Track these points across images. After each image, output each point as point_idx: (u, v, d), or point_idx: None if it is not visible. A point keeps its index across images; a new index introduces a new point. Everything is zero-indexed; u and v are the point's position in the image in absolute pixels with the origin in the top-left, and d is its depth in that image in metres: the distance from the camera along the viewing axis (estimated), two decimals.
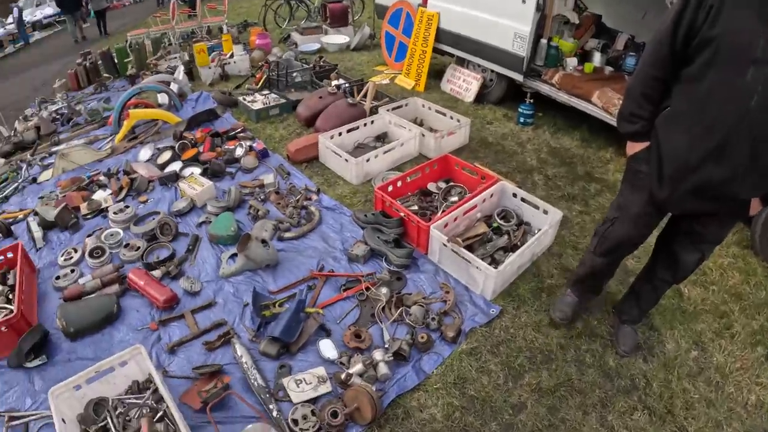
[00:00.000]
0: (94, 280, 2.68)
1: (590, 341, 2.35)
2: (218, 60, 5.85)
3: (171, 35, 7.31)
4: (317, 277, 2.71)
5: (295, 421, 1.95)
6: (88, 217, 3.32)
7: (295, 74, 5.11)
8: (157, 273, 2.74)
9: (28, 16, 15.08)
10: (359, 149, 3.96)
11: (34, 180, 3.88)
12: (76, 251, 2.96)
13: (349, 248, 2.86)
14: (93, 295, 2.61)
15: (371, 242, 2.81)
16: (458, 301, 2.53)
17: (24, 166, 3.99)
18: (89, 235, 3.08)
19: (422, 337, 2.26)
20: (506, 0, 4.06)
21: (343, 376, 2.08)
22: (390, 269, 2.72)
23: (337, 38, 6.96)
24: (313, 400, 2.07)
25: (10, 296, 2.56)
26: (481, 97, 4.80)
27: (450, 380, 2.17)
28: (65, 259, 2.91)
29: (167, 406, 1.91)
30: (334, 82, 5.03)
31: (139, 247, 2.94)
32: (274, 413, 2.00)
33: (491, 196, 2.94)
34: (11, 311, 2.37)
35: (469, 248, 2.64)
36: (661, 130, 1.69)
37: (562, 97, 4.02)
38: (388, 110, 4.12)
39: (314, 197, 3.44)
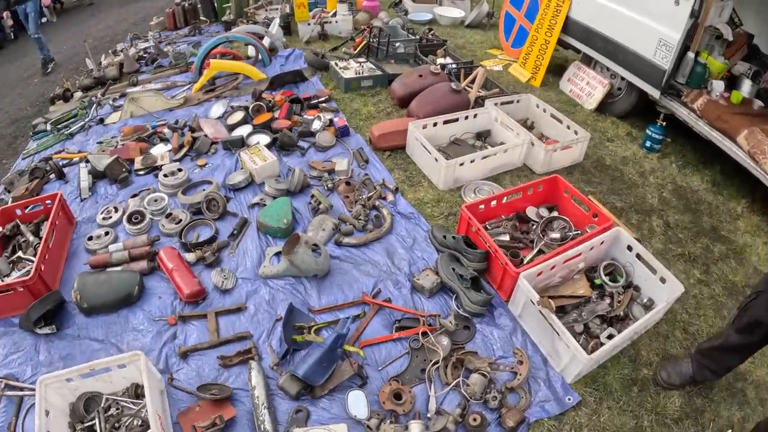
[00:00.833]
0: (123, 251, 2.52)
1: None
2: (319, 17, 5.62)
3: None
4: (369, 303, 2.31)
5: None
6: (141, 173, 3.20)
7: (398, 44, 4.69)
8: (190, 257, 2.51)
9: None
10: (454, 146, 3.46)
11: (102, 121, 3.89)
12: (116, 210, 2.84)
13: (416, 274, 2.43)
14: (118, 269, 2.45)
15: (444, 274, 2.35)
16: (531, 375, 2.08)
17: (95, 104, 4.01)
18: (134, 195, 2.95)
19: (474, 419, 1.87)
20: None
21: None
22: (459, 313, 2.25)
23: (451, 11, 6.64)
24: None
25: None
26: (603, 106, 4.32)
27: None
28: (103, 218, 2.80)
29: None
30: (440, 60, 4.55)
31: (180, 220, 2.74)
32: None
33: (601, 243, 2.35)
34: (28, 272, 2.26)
35: (561, 308, 2.18)
36: None
37: (702, 127, 3.48)
38: (496, 104, 3.58)
39: (390, 197, 3.02)
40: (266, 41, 4.97)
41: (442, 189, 3.12)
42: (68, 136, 3.73)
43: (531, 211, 2.76)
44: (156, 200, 2.87)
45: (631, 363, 2.21)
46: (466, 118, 3.50)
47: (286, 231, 2.68)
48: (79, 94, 4.48)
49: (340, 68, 4.39)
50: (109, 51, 5.60)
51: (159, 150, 3.39)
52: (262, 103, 3.82)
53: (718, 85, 3.58)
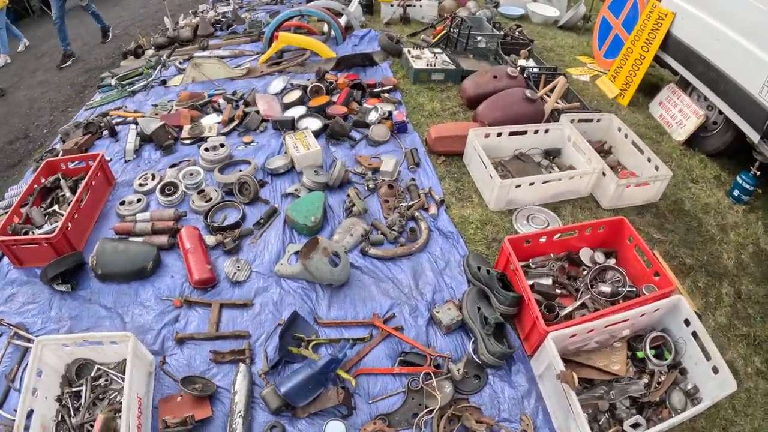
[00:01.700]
0: (148, 222, 2.63)
1: None
2: None
3: None
4: (378, 327, 2.24)
5: None
6: (186, 142, 3.32)
7: (479, 38, 4.50)
8: (210, 240, 2.57)
9: None
10: (517, 161, 3.27)
11: (164, 82, 4.08)
12: (153, 178, 2.96)
13: (438, 305, 2.32)
14: (139, 239, 2.56)
15: (467, 312, 2.22)
16: None
17: (161, 64, 4.21)
18: (173, 165, 3.06)
19: None
20: None
21: None
22: (473, 359, 2.12)
23: (545, 9, 6.37)
24: None
25: None
26: (693, 140, 3.91)
27: None
28: (140, 184, 2.94)
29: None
30: (521, 62, 4.30)
31: (210, 199, 2.82)
32: None
33: (655, 310, 2.10)
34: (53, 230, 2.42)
35: (589, 379, 1.98)
36: None
37: None
38: (572, 120, 3.31)
39: (432, 209, 2.91)
40: (343, 19, 4.97)
41: (492, 209, 2.96)
42: (130, 93, 3.96)
43: (585, 254, 2.54)
44: (192, 174, 2.97)
45: None
46: (536, 132, 3.28)
47: (312, 229, 2.67)
48: (150, 51, 4.74)
49: (412, 57, 4.29)
50: (189, 11, 5.87)
51: (209, 121, 3.50)
52: (321, 85, 3.83)
53: None
